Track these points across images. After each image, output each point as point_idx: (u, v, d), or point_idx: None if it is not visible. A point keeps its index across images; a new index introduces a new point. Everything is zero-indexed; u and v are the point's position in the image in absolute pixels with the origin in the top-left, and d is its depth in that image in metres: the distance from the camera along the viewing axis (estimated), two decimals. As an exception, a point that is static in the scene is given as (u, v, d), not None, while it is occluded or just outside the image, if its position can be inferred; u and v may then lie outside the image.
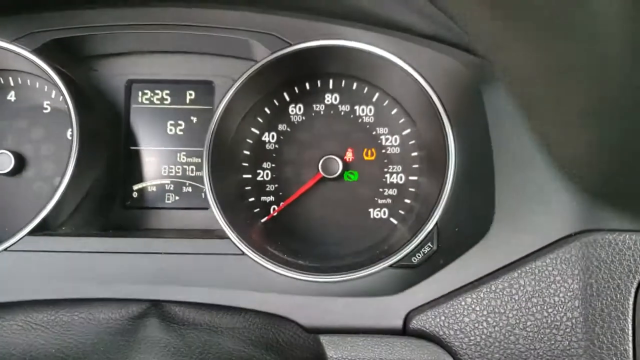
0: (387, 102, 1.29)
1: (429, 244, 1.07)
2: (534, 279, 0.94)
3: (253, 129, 1.30)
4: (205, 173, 1.16)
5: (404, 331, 0.99)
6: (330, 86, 1.30)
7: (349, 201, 1.28)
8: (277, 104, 1.31)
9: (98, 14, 1.22)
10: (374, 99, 1.29)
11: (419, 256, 1.06)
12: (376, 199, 1.28)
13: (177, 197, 1.31)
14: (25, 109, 1.33)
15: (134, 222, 1.30)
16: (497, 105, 1.02)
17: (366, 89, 1.29)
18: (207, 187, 1.15)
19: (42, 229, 1.13)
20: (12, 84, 1.33)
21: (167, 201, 1.31)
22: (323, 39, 1.17)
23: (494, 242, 0.98)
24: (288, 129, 1.31)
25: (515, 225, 0.98)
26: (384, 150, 1.29)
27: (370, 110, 1.30)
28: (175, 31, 1.22)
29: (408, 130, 1.28)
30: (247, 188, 1.30)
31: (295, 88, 1.30)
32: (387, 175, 1.28)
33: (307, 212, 1.29)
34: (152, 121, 1.33)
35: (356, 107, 1.30)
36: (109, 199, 1.30)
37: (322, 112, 1.31)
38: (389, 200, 1.27)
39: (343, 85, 1.30)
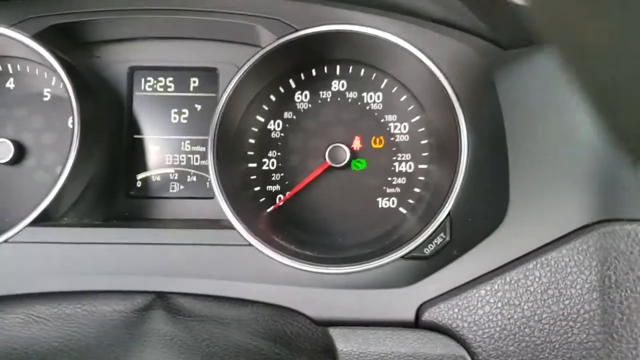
0: (396, 88, 1.26)
1: (442, 234, 1.05)
2: (549, 271, 0.92)
3: (258, 117, 1.28)
4: (210, 162, 1.14)
5: (416, 324, 0.98)
6: (338, 72, 1.28)
7: (356, 190, 1.26)
8: (282, 91, 1.28)
9: (99, -1, 1.19)
10: (383, 86, 1.27)
11: (431, 247, 1.04)
12: (384, 188, 1.26)
13: (181, 187, 1.30)
14: (25, 96, 1.30)
15: (138, 212, 1.28)
16: (512, 93, 0.99)
17: (374, 75, 1.27)
18: (212, 176, 1.14)
19: (43, 220, 1.11)
20: (10, 71, 1.31)
21: (171, 190, 1.30)
22: (330, 24, 1.15)
23: (509, 233, 0.96)
24: (294, 117, 1.28)
25: (531, 215, 0.96)
26: (392, 138, 1.26)
27: (379, 97, 1.27)
28: (179, 16, 1.19)
29: (417, 118, 1.25)
30: (252, 177, 1.28)
31: (302, 75, 1.28)
32: (396, 164, 1.26)
33: (314, 202, 1.27)
34: (155, 109, 1.31)
35: (364, 94, 1.28)
36: (112, 189, 1.28)
37: (328, 100, 1.28)
38: (398, 190, 1.25)
39: (350, 71, 1.28)
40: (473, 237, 0.99)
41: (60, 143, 1.29)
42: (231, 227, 1.09)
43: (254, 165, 1.28)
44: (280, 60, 1.20)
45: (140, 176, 1.30)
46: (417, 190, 1.25)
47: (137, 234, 1.08)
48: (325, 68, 1.28)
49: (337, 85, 1.28)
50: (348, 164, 1.24)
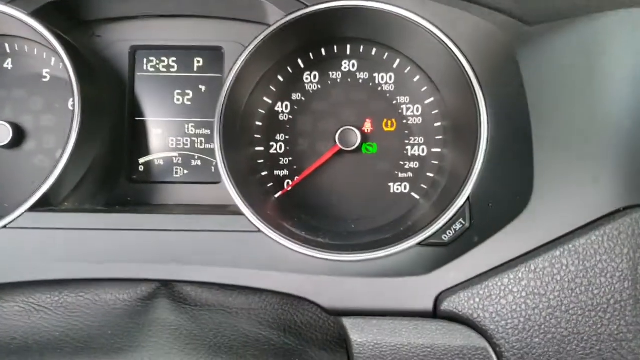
0: (409, 68, 1.23)
1: (461, 220, 1.01)
2: (577, 258, 0.88)
3: (265, 99, 1.25)
4: (216, 145, 1.11)
5: (435, 314, 0.95)
6: (348, 52, 1.24)
7: (367, 175, 1.23)
8: (291, 71, 1.25)
9: (99, -26, 1.16)
10: (395, 66, 1.23)
11: (449, 233, 1.01)
12: (396, 172, 1.23)
13: (185, 171, 1.27)
14: (23, 77, 1.28)
15: (141, 197, 1.26)
16: (536, 71, 0.95)
17: (386, 54, 1.23)
18: (218, 160, 1.11)
19: (43, 205, 1.09)
20: (8, 50, 1.28)
21: (175, 175, 1.27)
22: (341, 0, 1.10)
23: (533, 218, 0.92)
24: (303, 99, 1.25)
25: (557, 199, 0.91)
26: (405, 121, 1.23)
27: (391, 78, 1.24)
28: (183, -7, 1.16)
29: (431, 99, 1.22)
30: (259, 161, 1.25)
31: (311, 54, 1.24)
32: (408, 148, 1.23)
33: (323, 187, 1.24)
34: (158, 90, 1.28)
35: (375, 75, 1.24)
36: (113, 173, 1.26)
37: (339, 80, 1.25)
38: (410, 174, 1.22)
39: (361, 50, 1.24)
40: (495, 223, 0.95)
41: (60, 126, 1.26)
42: (239, 213, 1.06)
43: (262, 148, 1.25)
44: (288, 38, 1.17)
45: (142, 160, 1.28)
46: (430, 175, 1.21)
47: (140, 219, 1.06)
48: (336, 47, 1.24)
49: (347, 65, 1.25)
50: (359, 148, 1.21)
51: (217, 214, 1.07)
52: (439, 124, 1.21)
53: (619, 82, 0.92)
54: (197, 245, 1.03)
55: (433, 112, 1.22)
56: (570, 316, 0.87)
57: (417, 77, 1.22)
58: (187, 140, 1.27)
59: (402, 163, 1.22)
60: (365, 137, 1.22)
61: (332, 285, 0.98)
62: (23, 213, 1.06)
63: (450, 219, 1.01)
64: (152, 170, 1.27)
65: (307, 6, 1.11)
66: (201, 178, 1.26)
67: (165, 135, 1.28)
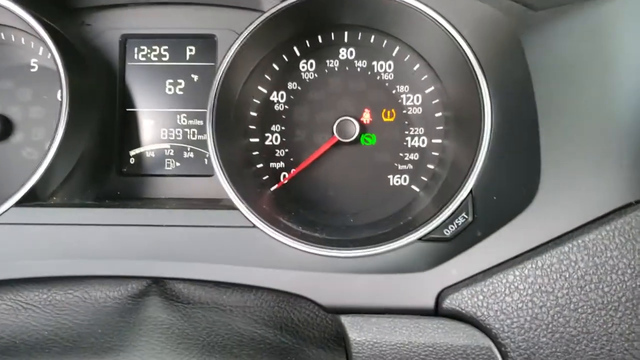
0: (408, 56, 1.19)
1: (463, 214, 0.98)
2: (587, 254, 0.85)
3: (260, 88, 1.22)
4: (209, 137, 1.08)
5: (436, 312, 0.92)
6: (345, 39, 1.21)
7: (366, 167, 1.20)
8: (286, 59, 1.22)
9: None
10: (394, 54, 1.20)
11: (452, 228, 0.98)
12: (396, 164, 1.20)
13: (177, 164, 1.25)
14: (11, 68, 1.26)
15: (131, 191, 1.24)
16: (542, 58, 0.92)
17: (385, 42, 1.20)
18: (211, 152, 1.08)
19: (30, 199, 1.06)
20: None
21: (166, 168, 1.25)
22: (338, -15, 1.08)
23: (540, 212, 0.89)
24: (299, 88, 1.22)
25: (565, 192, 0.88)
26: (404, 111, 1.20)
27: (390, 66, 1.21)
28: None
29: (432, 88, 1.19)
30: (254, 153, 1.22)
31: (307, 42, 1.21)
32: (408, 139, 1.20)
33: (321, 180, 1.21)
34: (149, 80, 1.26)
35: (374, 63, 1.21)
36: (103, 166, 1.24)
37: (336, 69, 1.22)
38: (410, 166, 1.19)
39: (359, 38, 1.21)
40: (499, 217, 0.92)
41: (49, 117, 1.24)
42: (233, 207, 1.04)
43: (256, 140, 1.22)
44: (283, 25, 1.14)
45: (133, 152, 1.25)
46: (430, 167, 1.19)
47: (130, 214, 1.04)
48: (333, 34, 1.21)
49: (345, 53, 1.22)
50: (357, 139, 1.18)
51: (210, 209, 1.05)
52: (439, 114, 1.18)
53: (629, 69, 0.89)
54: (189, 241, 1.01)
55: (434, 102, 1.19)
56: (579, 315, 0.85)
57: (417, 66, 1.19)
58: (179, 132, 1.25)
59: (401, 155, 1.20)
60: (363, 128, 1.19)
61: (330, 282, 0.96)
62: (9, 208, 1.04)
63: (453, 213, 0.99)
64: (143, 163, 1.25)
65: None
66: (194, 171, 1.24)
67: (156, 127, 1.25)
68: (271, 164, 1.22)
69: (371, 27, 1.19)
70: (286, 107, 1.22)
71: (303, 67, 1.22)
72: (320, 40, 1.21)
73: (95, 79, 1.21)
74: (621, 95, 0.89)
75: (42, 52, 1.24)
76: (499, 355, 0.87)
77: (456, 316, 0.90)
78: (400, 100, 1.20)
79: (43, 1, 1.16)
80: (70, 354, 0.91)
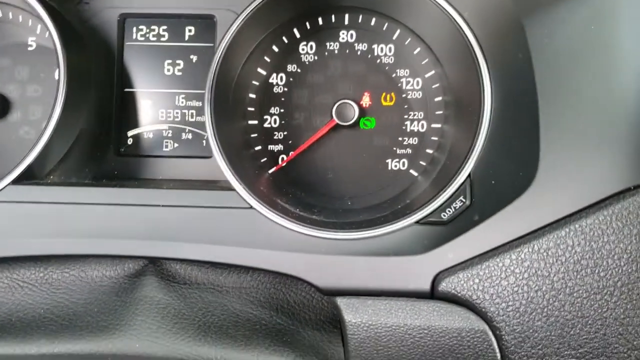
0: (409, 40, 1.18)
1: (461, 198, 0.97)
2: (584, 239, 0.85)
3: (259, 70, 1.21)
4: (207, 118, 1.08)
5: (432, 294, 0.92)
6: (346, 22, 1.20)
7: (364, 151, 1.20)
8: (286, 41, 1.20)
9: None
10: (395, 37, 1.19)
11: (449, 212, 0.97)
12: (395, 148, 1.19)
13: (175, 144, 1.24)
14: (8, 46, 1.25)
15: (129, 171, 1.23)
16: (545, 41, 0.91)
17: (386, 25, 1.19)
18: (209, 133, 1.07)
19: (27, 178, 1.06)
20: None
21: (164, 148, 1.24)
22: (339, -35, 1.07)
23: (538, 196, 0.88)
24: (298, 70, 1.21)
25: (563, 176, 0.88)
26: (404, 95, 1.19)
27: (390, 50, 1.19)
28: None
29: (432, 72, 1.18)
30: (252, 135, 1.21)
31: (307, 24, 1.20)
32: (407, 123, 1.19)
33: (319, 163, 1.20)
34: (147, 60, 1.24)
35: (374, 46, 1.20)
36: (101, 146, 1.22)
37: (336, 52, 1.21)
38: (409, 150, 1.19)
39: (360, 20, 1.19)
40: (497, 201, 0.92)
41: (46, 96, 1.23)
42: (230, 188, 1.03)
43: (255, 122, 1.21)
44: (283, 6, 1.13)
45: (131, 133, 1.24)
46: (429, 151, 1.18)
47: (127, 194, 1.03)
48: (333, 16, 1.20)
49: (345, 35, 1.21)
50: (356, 122, 1.17)
51: (207, 189, 1.04)
52: (439, 98, 1.17)
53: (630, 54, 0.88)
54: (186, 222, 1.00)
55: (434, 86, 1.18)
56: (575, 299, 0.84)
57: (418, 49, 1.18)
58: (177, 113, 1.23)
59: (400, 139, 1.19)
60: (363, 112, 1.18)
61: (327, 264, 0.95)
62: (6, 186, 1.03)
63: (450, 197, 0.98)
64: (141, 144, 1.24)
65: None
66: (192, 152, 1.23)
67: (154, 107, 1.24)
68: (270, 146, 1.21)
69: (372, 9, 1.17)
70: (285, 89, 1.21)
71: (303, 49, 1.21)
72: (320, 23, 1.20)
73: (93, 58, 1.20)
74: (622, 80, 0.88)
75: (39, 30, 1.23)
76: (493, 339, 0.86)
77: (452, 299, 0.89)
78: (400, 84, 1.19)
79: (41, -21, 1.14)
80: (66, 332, 0.91)
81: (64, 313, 0.96)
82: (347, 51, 1.20)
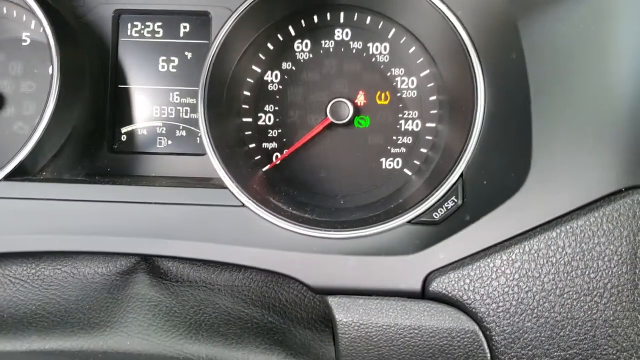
0: (404, 39, 1.18)
1: (453, 198, 0.97)
2: (574, 240, 0.85)
3: (254, 67, 1.20)
4: (200, 115, 1.07)
5: (423, 294, 0.91)
6: (341, 20, 1.19)
7: (359, 149, 1.19)
8: (281, 39, 1.20)
9: None
10: (390, 36, 1.18)
11: (441, 211, 0.97)
12: (389, 147, 1.19)
13: (169, 142, 1.23)
14: (2, 41, 1.24)
15: (122, 168, 1.22)
16: (538, 41, 0.90)
17: (381, 23, 1.18)
18: (202, 130, 1.07)
19: (19, 174, 1.05)
20: None
21: (158, 146, 1.23)
22: (334, -36, 1.06)
23: (530, 197, 0.88)
24: (293, 68, 1.20)
25: (555, 178, 0.87)
26: (399, 94, 1.19)
27: (385, 48, 1.19)
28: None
29: (427, 72, 1.17)
30: (247, 133, 1.21)
31: (302, 21, 1.19)
32: (402, 122, 1.19)
33: (313, 161, 1.20)
34: (142, 56, 1.23)
35: (369, 45, 1.19)
36: (94, 142, 1.22)
37: (331, 50, 1.20)
38: (403, 150, 1.18)
39: (355, 19, 1.19)
40: (489, 201, 0.91)
41: (40, 92, 1.23)
42: (223, 186, 1.03)
43: (249, 120, 1.21)
44: (278, 4, 1.13)
45: (125, 129, 1.24)
46: (423, 150, 1.18)
47: (120, 191, 1.03)
48: (328, 14, 1.19)
49: (340, 34, 1.20)
50: (351, 121, 1.17)
51: (200, 187, 1.03)
52: (434, 97, 1.17)
53: (624, 55, 0.87)
54: (178, 219, 1.00)
55: (428, 85, 1.17)
56: (565, 300, 0.84)
57: (413, 48, 1.17)
58: (171, 110, 1.23)
59: (395, 138, 1.19)
60: (357, 110, 1.18)
61: (318, 262, 0.95)
62: None
63: (442, 197, 0.98)
64: (135, 140, 1.23)
65: None
66: (186, 149, 1.22)
67: (149, 104, 1.23)
68: (264, 144, 1.21)
69: (367, 8, 1.17)
70: (280, 87, 1.20)
71: (298, 47, 1.20)
72: (315, 20, 1.19)
73: (87, 54, 1.19)
74: (615, 81, 0.87)
75: (34, 25, 1.22)
76: (483, 339, 0.86)
77: (442, 299, 0.89)
78: (395, 83, 1.19)
79: (35, -26, 1.13)
80: (57, 328, 0.91)
81: (55, 309, 0.95)
82: (342, 49, 1.20)
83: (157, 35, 1.23)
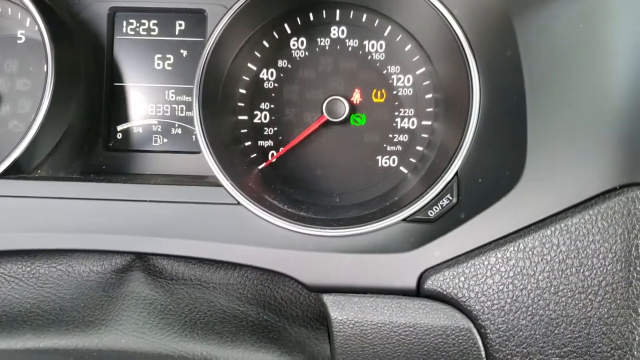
0: (400, 36, 1.17)
1: (448, 196, 0.97)
2: (569, 238, 0.85)
3: (250, 65, 1.20)
4: (195, 113, 1.07)
5: (418, 292, 0.91)
6: (337, 17, 1.19)
7: (355, 147, 1.19)
8: (277, 36, 1.20)
9: None
10: (386, 33, 1.18)
11: (436, 209, 0.97)
12: (385, 145, 1.19)
13: (165, 140, 1.23)
14: None
15: (118, 166, 1.22)
16: (534, 39, 0.90)
17: (377, 21, 1.18)
18: (197, 128, 1.07)
19: (14, 172, 1.05)
20: None
21: (154, 143, 1.23)
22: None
23: (524, 195, 0.88)
24: (289, 66, 1.20)
25: (549, 176, 0.87)
26: (395, 92, 1.18)
27: (381, 46, 1.19)
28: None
29: (422, 69, 1.17)
30: (242, 131, 1.21)
31: (298, 19, 1.19)
32: (398, 120, 1.18)
33: (309, 159, 1.20)
34: (137, 54, 1.23)
35: (365, 42, 1.19)
36: (90, 140, 1.22)
37: (327, 48, 1.20)
38: (399, 147, 1.18)
39: (351, 16, 1.18)
40: (484, 199, 0.91)
41: (35, 90, 1.22)
42: (218, 184, 1.02)
43: (245, 117, 1.20)
44: (274, 1, 1.13)
45: (120, 127, 1.23)
46: (419, 148, 1.18)
47: (116, 189, 1.02)
48: (324, 12, 1.19)
49: (336, 31, 1.20)
50: (347, 119, 1.17)
51: (195, 185, 1.03)
52: (430, 95, 1.17)
53: (620, 53, 0.87)
54: (173, 217, 0.99)
55: (424, 83, 1.17)
56: (559, 298, 0.84)
57: (409, 46, 1.17)
58: (167, 107, 1.23)
59: (391, 136, 1.18)
60: (353, 108, 1.18)
61: (314, 260, 0.95)
62: None
63: (437, 195, 0.97)
64: (131, 138, 1.23)
65: None
66: (181, 147, 1.22)
67: (144, 102, 1.23)
68: (259, 142, 1.20)
69: (363, 5, 1.17)
70: (276, 85, 1.20)
71: (294, 44, 1.20)
72: (311, 18, 1.19)
73: (83, 52, 1.19)
74: (611, 79, 0.87)
75: (29, 23, 1.22)
76: (478, 337, 0.86)
77: (437, 297, 0.89)
78: (390, 81, 1.18)
79: (30, -29, 1.13)
80: (52, 326, 0.91)
81: (50, 308, 0.95)
82: (338, 47, 1.19)
83: (152, 33, 1.23)
